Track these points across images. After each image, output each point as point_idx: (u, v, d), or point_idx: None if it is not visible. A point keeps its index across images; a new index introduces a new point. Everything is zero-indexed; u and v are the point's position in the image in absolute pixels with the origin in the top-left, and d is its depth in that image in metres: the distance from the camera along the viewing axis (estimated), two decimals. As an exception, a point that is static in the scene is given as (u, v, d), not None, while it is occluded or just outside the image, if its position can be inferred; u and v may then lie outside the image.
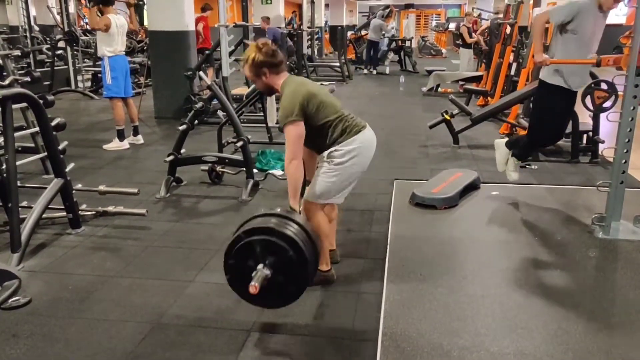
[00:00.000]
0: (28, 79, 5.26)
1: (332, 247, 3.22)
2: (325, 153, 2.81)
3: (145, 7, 6.72)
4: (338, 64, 13.39)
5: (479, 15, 12.80)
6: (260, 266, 2.29)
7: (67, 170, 3.71)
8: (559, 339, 2.46)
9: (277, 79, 2.82)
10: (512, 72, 7.78)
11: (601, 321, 2.63)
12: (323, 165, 2.83)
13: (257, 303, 2.46)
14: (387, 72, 14.70)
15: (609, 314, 2.70)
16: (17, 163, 3.36)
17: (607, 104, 3.99)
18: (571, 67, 3.89)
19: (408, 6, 30.11)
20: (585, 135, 5.73)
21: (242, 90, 8.15)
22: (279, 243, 2.30)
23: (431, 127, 6.51)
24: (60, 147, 3.70)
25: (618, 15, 14.97)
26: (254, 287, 2.21)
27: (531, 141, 4.25)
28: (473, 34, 11.02)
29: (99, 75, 9.21)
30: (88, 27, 14.12)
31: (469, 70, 11.13)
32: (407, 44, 15.71)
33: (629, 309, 2.74)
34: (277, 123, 5.56)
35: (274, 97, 5.48)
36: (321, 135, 2.79)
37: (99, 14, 5.99)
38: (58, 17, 11.48)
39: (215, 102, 5.27)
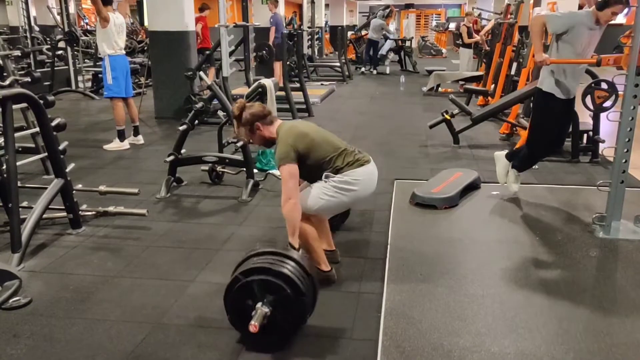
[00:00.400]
0: (28, 79, 5.27)
1: (332, 247, 3.22)
2: (323, 175, 2.86)
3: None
4: (338, 64, 13.39)
5: (479, 15, 12.80)
6: (259, 305, 2.33)
7: (67, 170, 3.71)
8: (559, 339, 2.46)
9: (271, 128, 2.94)
10: (513, 72, 7.77)
11: (602, 321, 2.63)
12: (319, 182, 2.88)
13: (258, 340, 2.44)
14: (388, 72, 14.71)
15: (610, 314, 2.70)
16: (18, 163, 3.36)
17: (608, 103, 3.99)
18: (561, 77, 3.91)
19: (408, 6, 30.10)
20: (585, 135, 5.72)
21: (243, 90, 8.15)
22: (275, 282, 2.34)
23: (431, 126, 6.51)
24: (61, 147, 3.70)
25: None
26: (253, 326, 2.25)
27: (530, 149, 4.25)
28: (473, 34, 11.02)
29: (100, 75, 9.22)
30: (88, 27, 14.15)
31: (469, 70, 11.13)
32: (407, 43, 15.71)
33: (630, 308, 2.74)
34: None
35: (273, 94, 5.47)
36: (319, 172, 2.86)
37: None
38: (58, 18, 11.49)
39: (215, 102, 5.28)
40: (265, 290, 2.35)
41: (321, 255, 2.97)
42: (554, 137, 4.18)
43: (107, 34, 5.90)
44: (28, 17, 11.94)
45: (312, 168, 2.85)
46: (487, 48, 10.18)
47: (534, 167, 5.18)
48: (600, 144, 5.50)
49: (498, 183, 4.53)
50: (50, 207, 3.57)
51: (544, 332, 2.51)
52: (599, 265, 3.30)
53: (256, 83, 5.66)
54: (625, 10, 3.84)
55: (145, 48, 11.48)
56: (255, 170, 4.76)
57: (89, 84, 10.79)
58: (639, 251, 3.40)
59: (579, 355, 2.34)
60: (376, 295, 2.87)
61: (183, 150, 4.67)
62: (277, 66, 10.71)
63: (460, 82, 10.65)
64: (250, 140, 3.04)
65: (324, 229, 3.15)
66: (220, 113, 6.29)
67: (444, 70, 11.74)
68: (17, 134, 3.48)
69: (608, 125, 4.84)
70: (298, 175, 2.76)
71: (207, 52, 9.11)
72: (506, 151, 4.48)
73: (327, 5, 21.95)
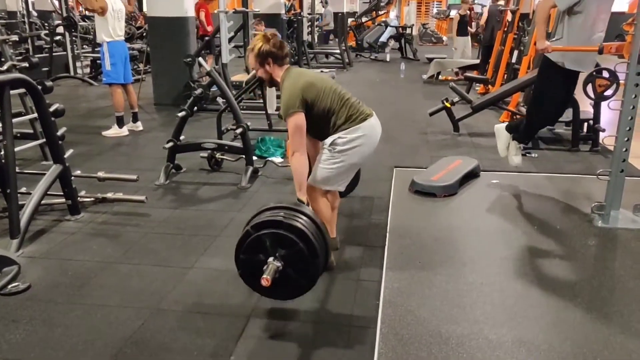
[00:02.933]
0: (26, 64, 5.23)
1: (333, 234, 3.21)
2: (328, 140, 2.81)
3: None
4: (338, 51, 13.31)
5: (473, 1, 12.66)
6: (270, 259, 2.31)
7: (66, 156, 3.70)
8: (557, 328, 2.46)
9: (278, 71, 2.85)
10: (514, 60, 7.73)
11: (600, 310, 2.63)
12: (325, 152, 2.83)
13: (269, 295, 2.50)
14: (388, 59, 14.64)
15: (608, 303, 2.71)
16: (16, 149, 3.35)
17: (609, 92, 3.96)
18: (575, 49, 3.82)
19: (409, -7, 29.86)
20: (585, 124, 5.70)
21: (242, 77, 8.11)
22: (288, 235, 2.31)
23: (431, 114, 6.49)
24: (59, 133, 3.68)
25: (621, 3, 14.89)
26: (265, 279, 2.23)
27: (530, 120, 4.19)
28: (472, 23, 10.94)
29: (98, 61, 9.16)
30: (86, 12, 14.04)
31: (465, 58, 11.04)
32: (408, 31, 15.61)
33: (628, 298, 2.75)
34: (276, 110, 5.54)
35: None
36: (325, 123, 2.80)
37: None
38: (56, 3, 11.39)
39: (214, 88, 5.24)
40: (277, 245, 2.32)
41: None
42: (553, 108, 4.11)
43: (106, 20, 5.85)
44: (26, 2, 11.83)
45: (317, 119, 2.77)
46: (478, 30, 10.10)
47: (532, 155, 5.18)
48: (601, 133, 5.48)
49: (498, 172, 4.52)
50: (48, 193, 3.56)
51: (542, 321, 2.51)
52: (597, 254, 3.30)
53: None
54: None
55: (144, 34, 11.40)
56: (254, 157, 4.75)
57: (88, 70, 10.72)
58: (638, 240, 3.40)
59: (577, 344, 2.34)
60: (375, 282, 2.87)
61: (182, 137, 4.66)
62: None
63: (455, 71, 10.57)
64: (254, 69, 2.91)
65: (332, 214, 3.13)
66: (220, 100, 6.27)
67: (444, 58, 11.67)
68: (15, 120, 3.46)
69: (608, 114, 4.81)
70: (305, 127, 2.70)
71: (207, 38, 9.05)
72: (506, 123, 4.44)
73: (327, -8, 21.78)
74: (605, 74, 3.97)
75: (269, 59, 2.81)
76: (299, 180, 2.69)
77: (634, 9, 14.50)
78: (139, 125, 6.39)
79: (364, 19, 17.15)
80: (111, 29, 5.89)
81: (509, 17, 8.53)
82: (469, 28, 11.04)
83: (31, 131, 4.76)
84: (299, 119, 2.69)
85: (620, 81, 3.72)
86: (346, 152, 2.80)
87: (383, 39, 15.03)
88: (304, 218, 2.41)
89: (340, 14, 15.02)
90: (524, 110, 6.32)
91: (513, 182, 4.43)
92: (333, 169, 2.82)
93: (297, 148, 2.68)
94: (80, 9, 14.41)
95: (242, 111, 4.99)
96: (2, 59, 5.85)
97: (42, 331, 2.46)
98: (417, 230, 3.53)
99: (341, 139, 2.78)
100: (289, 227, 2.33)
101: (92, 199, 3.97)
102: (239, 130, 4.57)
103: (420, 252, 3.21)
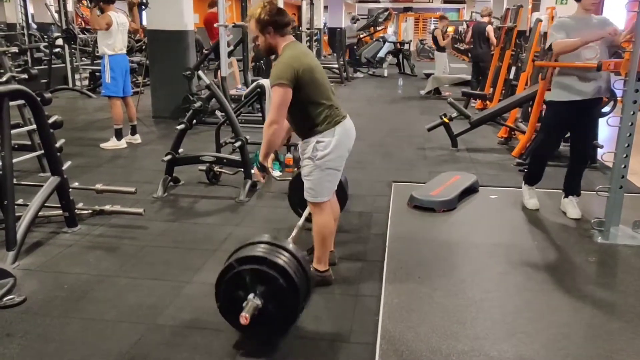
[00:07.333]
0: (25, 76, 5.23)
1: (332, 248, 3.20)
2: (309, 149, 2.76)
3: (146, 8, 6.69)
4: (337, 66, 13.38)
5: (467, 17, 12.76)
6: (251, 296, 2.29)
7: (63, 168, 3.68)
8: (558, 344, 2.44)
9: (280, 41, 2.77)
10: (511, 76, 7.78)
11: (601, 326, 2.62)
12: (306, 163, 2.80)
13: (247, 333, 2.44)
14: (386, 74, 14.71)
15: (609, 320, 2.69)
16: (14, 161, 3.33)
17: (606, 108, 3.99)
18: (576, 78, 3.83)
19: (407, 9, 30.15)
20: (583, 140, 5.71)
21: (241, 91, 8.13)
22: (270, 272, 2.30)
23: (429, 129, 6.50)
24: (57, 145, 3.67)
25: (617, 20, 15.04)
26: (244, 317, 2.21)
27: (541, 146, 4.30)
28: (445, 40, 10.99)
29: (97, 74, 9.17)
30: (87, 26, 14.13)
31: (446, 74, 11.03)
32: (406, 47, 15.72)
33: (629, 314, 2.73)
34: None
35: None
36: (305, 115, 2.75)
37: (100, 12, 5.96)
38: (56, 15, 11.45)
39: (213, 101, 5.25)
40: (258, 281, 2.30)
41: (327, 255, 2.95)
42: (558, 140, 4.25)
43: (110, 34, 5.85)
44: (26, 14, 11.88)
45: (301, 108, 2.71)
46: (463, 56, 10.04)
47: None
48: (599, 149, 5.49)
49: (496, 187, 4.52)
50: (46, 205, 3.54)
51: (543, 337, 2.49)
52: (597, 271, 3.29)
53: (254, 83, 5.64)
54: None
55: (144, 47, 11.44)
56: (252, 171, 4.73)
57: (86, 82, 10.74)
58: (638, 256, 3.39)
59: (578, 361, 2.33)
60: (374, 298, 2.85)
61: (180, 150, 4.65)
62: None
63: (446, 93, 10.54)
64: (256, 42, 2.85)
65: (334, 225, 3.11)
66: (218, 113, 6.27)
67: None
68: (13, 131, 3.45)
69: (607, 131, 4.83)
70: (289, 102, 2.64)
71: (205, 52, 9.08)
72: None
73: (325, 7, 21.94)
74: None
75: (270, 27, 2.72)
76: (268, 149, 2.72)
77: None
78: (138, 138, 6.39)
79: (362, 35, 17.24)
80: (114, 42, 5.90)
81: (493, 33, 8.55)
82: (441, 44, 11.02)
83: (29, 143, 4.75)
84: (286, 95, 2.62)
85: (618, 98, 3.74)
86: (328, 157, 2.75)
87: (381, 54, 15.12)
88: (287, 254, 2.39)
89: (338, 30, 15.10)
90: (522, 126, 6.34)
91: (512, 198, 4.43)
92: (323, 178, 2.78)
93: (278, 120, 2.65)
94: (80, 20, 14.49)
95: (241, 124, 4.98)
96: (2, 71, 5.84)
97: (37, 346, 2.42)
98: (416, 245, 3.52)
99: (320, 144, 2.74)
100: (272, 263, 2.31)
101: (90, 211, 3.95)
102: (237, 144, 4.56)
103: (419, 267, 3.19)
